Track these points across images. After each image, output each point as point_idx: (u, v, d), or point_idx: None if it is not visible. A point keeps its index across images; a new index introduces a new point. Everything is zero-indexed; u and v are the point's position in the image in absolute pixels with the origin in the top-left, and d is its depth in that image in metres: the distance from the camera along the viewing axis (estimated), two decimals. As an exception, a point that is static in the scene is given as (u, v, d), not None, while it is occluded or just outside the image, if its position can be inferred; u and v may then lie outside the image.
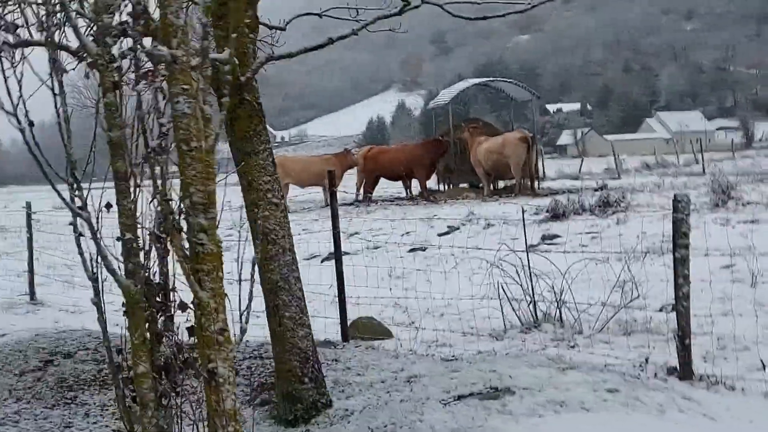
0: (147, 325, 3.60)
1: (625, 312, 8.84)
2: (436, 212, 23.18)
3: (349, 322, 9.24)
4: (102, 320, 3.89)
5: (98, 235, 3.49)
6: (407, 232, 18.24)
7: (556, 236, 15.28)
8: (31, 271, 14.10)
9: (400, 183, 32.80)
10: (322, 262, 14.76)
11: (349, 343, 8.71)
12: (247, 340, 8.53)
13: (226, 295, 3.31)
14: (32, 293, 13.91)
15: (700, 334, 8.04)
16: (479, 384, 6.08)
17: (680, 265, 6.50)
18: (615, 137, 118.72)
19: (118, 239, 3.53)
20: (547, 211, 18.90)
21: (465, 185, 32.56)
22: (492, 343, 8.54)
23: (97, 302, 3.81)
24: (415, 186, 32.32)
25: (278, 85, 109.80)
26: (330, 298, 10.68)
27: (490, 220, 18.60)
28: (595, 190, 23.93)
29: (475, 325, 9.21)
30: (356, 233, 18.52)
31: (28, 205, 14.52)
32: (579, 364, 6.62)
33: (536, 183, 29.69)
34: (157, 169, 3.53)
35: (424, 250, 15.53)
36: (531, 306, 9.08)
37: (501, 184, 31.79)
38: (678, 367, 6.55)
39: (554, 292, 9.04)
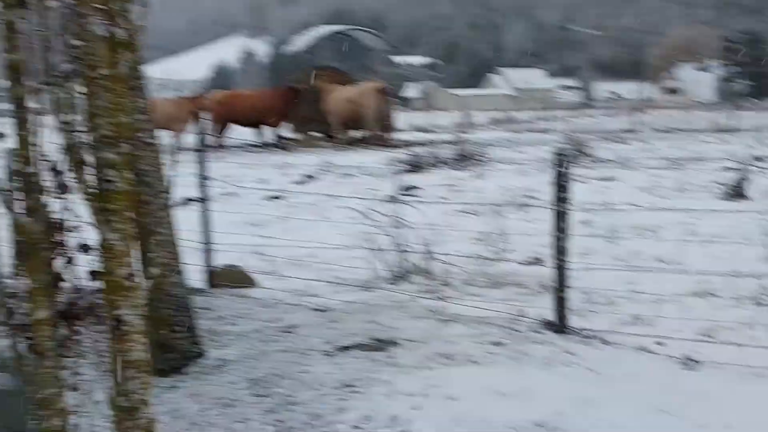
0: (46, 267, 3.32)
1: (492, 265, 8.89)
2: (290, 160, 22.97)
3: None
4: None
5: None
6: (262, 180, 17.98)
7: (415, 188, 15.30)
8: None
9: (250, 129, 32.26)
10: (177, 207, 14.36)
11: (217, 291, 8.48)
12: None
13: (135, 237, 3.07)
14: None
15: (567, 287, 8.17)
16: (362, 335, 5.97)
17: (560, 219, 6.52)
18: (460, 92, 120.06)
19: (15, 174, 3.22)
20: (406, 163, 18.92)
21: (318, 134, 32.30)
22: (361, 293, 8.41)
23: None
24: (267, 133, 31.91)
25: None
26: (188, 244, 10.39)
27: (347, 170, 18.51)
28: (453, 143, 24.11)
29: (342, 275, 9.12)
30: (208, 178, 18.08)
31: None
32: (459, 316, 6.60)
33: (389, 134, 29.72)
34: (63, 97, 3.21)
35: (280, 198, 15.30)
36: (400, 257, 9.02)
37: (355, 134, 31.66)
38: (555, 321, 6.60)
39: (423, 244, 9.00)
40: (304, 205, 14.12)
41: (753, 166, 14.79)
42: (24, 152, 3.22)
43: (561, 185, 6.51)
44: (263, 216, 12.67)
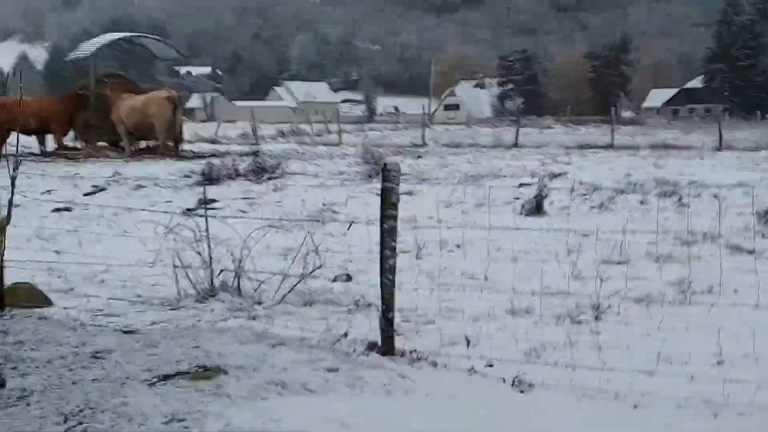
0: None
1: (303, 282, 8.56)
2: (78, 170, 21.92)
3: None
4: None
5: None
6: (48, 191, 17.00)
7: (213, 200, 14.78)
8: None
9: (32, 139, 30.68)
10: None
11: (11, 311, 7.74)
12: None
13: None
14: None
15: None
16: (185, 362, 5.44)
17: (388, 236, 6.24)
18: (244, 103, 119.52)
19: None
20: (201, 174, 18.32)
21: (104, 143, 30.93)
22: (166, 312, 7.85)
23: None
24: (49, 142, 30.42)
25: None
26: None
27: (139, 181, 17.75)
28: (248, 155, 23.57)
29: (143, 293, 8.56)
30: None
31: None
32: (285, 339, 6.19)
33: (179, 145, 28.91)
34: None
35: (69, 210, 14.46)
36: (207, 273, 8.50)
37: (143, 144, 30.60)
38: (380, 342, 6.32)
39: (233, 260, 8.58)
40: (95, 217, 13.38)
41: (548, 182, 15.06)
42: None
43: (388, 200, 6.25)
44: (53, 229, 11.88)
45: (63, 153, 28.64)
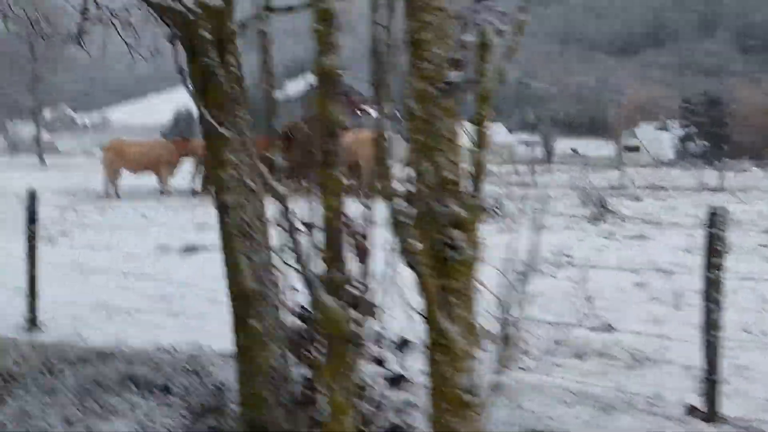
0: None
1: (566, 331, 7.96)
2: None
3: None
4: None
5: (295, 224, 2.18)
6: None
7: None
8: (32, 285, 9.41)
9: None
10: (185, 252, 13.49)
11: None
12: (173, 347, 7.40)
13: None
14: (33, 316, 9.28)
15: (663, 361, 7.29)
16: (515, 426, 4.95)
17: (713, 288, 5.58)
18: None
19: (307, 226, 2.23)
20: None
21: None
22: None
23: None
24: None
25: (81, 64, 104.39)
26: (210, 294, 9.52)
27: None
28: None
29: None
30: (205, 224, 17.12)
31: (31, 196, 9.67)
32: (613, 401, 5.57)
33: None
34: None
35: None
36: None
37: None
38: (701, 408, 5.64)
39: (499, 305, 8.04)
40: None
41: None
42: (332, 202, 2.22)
43: (714, 248, 5.59)
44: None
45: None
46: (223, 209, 4.92)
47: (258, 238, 4.87)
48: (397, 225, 2.22)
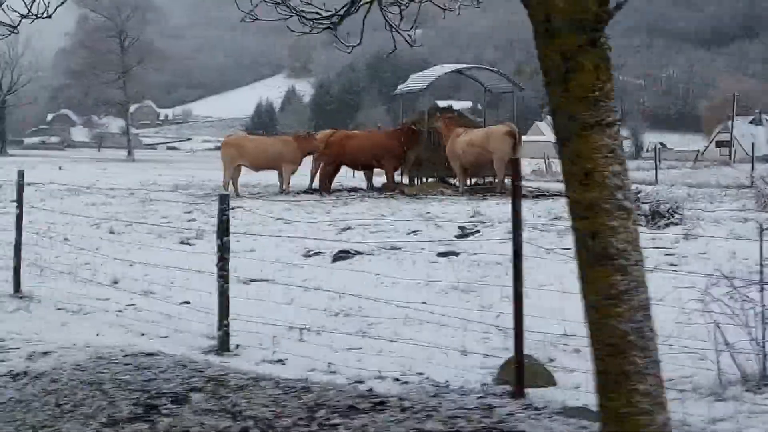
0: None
1: None
2: (427, 209, 20.02)
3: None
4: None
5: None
6: (413, 231, 15.33)
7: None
8: (17, 256, 11.66)
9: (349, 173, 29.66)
10: (334, 261, 12.23)
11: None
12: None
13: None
14: (17, 285, 11.56)
15: None
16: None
17: None
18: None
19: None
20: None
21: (433, 179, 29.06)
22: (709, 404, 6.31)
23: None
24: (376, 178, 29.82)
25: (164, 59, 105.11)
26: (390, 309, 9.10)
27: (503, 222, 15.72)
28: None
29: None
30: (348, 228, 15.66)
31: (20, 174, 11.95)
32: None
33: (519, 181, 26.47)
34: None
35: (456, 255, 12.67)
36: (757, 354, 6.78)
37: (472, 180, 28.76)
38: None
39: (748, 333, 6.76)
40: (492, 265, 11.60)
41: None
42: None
43: None
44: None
45: (392, 188, 27.25)
46: (585, 233, 3.97)
47: (634, 273, 3.95)
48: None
